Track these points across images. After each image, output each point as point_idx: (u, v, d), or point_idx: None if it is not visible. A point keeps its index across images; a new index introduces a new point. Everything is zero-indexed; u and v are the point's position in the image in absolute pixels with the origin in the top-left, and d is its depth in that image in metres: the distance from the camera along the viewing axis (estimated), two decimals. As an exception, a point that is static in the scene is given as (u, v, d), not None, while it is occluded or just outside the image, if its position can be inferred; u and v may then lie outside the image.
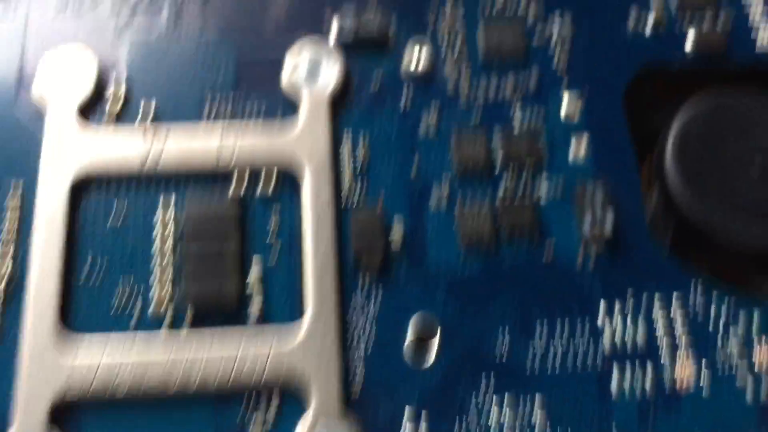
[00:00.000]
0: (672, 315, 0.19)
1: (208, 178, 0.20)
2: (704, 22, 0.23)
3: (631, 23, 0.22)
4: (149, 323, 0.18)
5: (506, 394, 0.18)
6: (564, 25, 0.22)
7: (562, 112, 0.21)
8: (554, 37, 0.22)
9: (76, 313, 0.18)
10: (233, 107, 0.21)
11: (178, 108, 0.21)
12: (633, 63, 0.22)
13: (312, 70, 0.21)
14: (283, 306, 0.19)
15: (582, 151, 0.21)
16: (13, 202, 0.19)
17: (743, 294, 0.20)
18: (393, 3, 0.22)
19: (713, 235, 0.20)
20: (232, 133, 0.20)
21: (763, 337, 0.19)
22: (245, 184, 0.20)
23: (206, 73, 0.21)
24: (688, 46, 0.22)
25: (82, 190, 0.19)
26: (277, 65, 0.21)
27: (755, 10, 0.23)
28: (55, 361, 0.18)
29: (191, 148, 0.20)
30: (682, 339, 0.19)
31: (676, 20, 0.23)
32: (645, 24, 0.22)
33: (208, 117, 0.21)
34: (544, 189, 0.20)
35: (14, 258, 0.19)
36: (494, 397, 0.18)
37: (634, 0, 0.23)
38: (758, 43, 0.22)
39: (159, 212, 0.19)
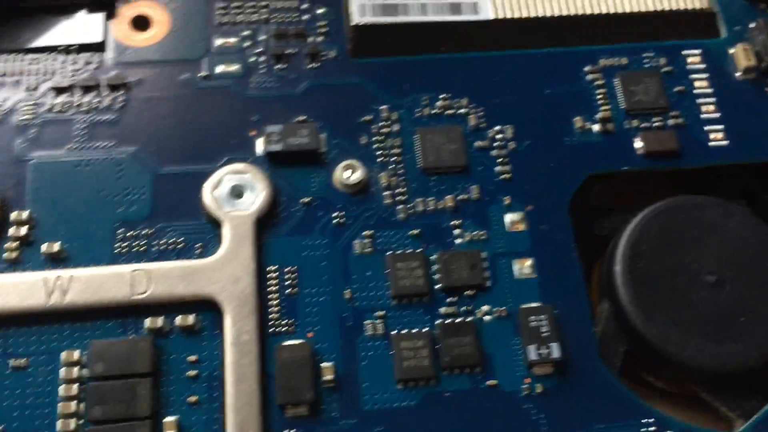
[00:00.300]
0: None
1: (117, 315, 0.18)
2: (653, 125, 0.22)
3: (576, 130, 0.21)
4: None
5: None
6: (505, 131, 0.21)
7: (507, 228, 0.20)
8: (495, 144, 0.21)
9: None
10: (150, 237, 0.19)
11: (86, 245, 0.19)
12: (579, 171, 0.21)
13: (235, 190, 0.20)
14: (203, 460, 0.17)
15: (527, 271, 0.20)
16: None
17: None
18: (323, 116, 0.21)
19: (666, 356, 0.19)
20: (147, 265, 0.19)
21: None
22: (161, 321, 0.18)
23: (118, 201, 0.19)
24: (639, 149, 0.21)
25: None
26: (198, 188, 0.20)
27: (705, 110, 0.22)
28: None
29: (101, 285, 0.18)
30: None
31: (626, 123, 0.22)
32: (591, 130, 0.21)
33: (121, 249, 0.19)
34: (487, 314, 0.19)
35: None
36: None
37: (578, 108, 0.22)
38: (710, 145, 0.22)
39: (63, 359, 0.18)
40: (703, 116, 0.22)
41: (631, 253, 0.20)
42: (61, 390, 0.17)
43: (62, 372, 0.18)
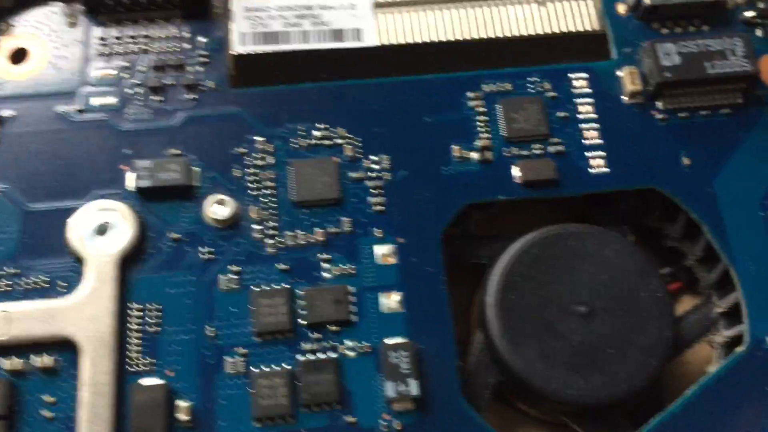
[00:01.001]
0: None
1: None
2: (532, 153, 0.22)
3: (454, 159, 0.21)
4: None
5: None
6: (381, 161, 0.21)
7: (376, 261, 0.20)
8: (370, 176, 0.21)
9: None
10: (16, 276, 0.19)
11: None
12: (455, 201, 0.21)
13: (101, 228, 0.20)
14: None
15: (394, 305, 0.20)
16: None
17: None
18: (199, 149, 0.21)
19: (532, 389, 0.19)
20: (8, 305, 0.19)
21: None
22: (21, 361, 0.18)
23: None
24: (517, 178, 0.21)
25: None
26: (64, 224, 0.20)
27: (587, 136, 0.22)
28: None
29: (-40, 326, 0.18)
30: None
31: (505, 151, 0.22)
32: (469, 159, 0.21)
33: (-15, 286, 0.19)
34: (350, 348, 0.19)
35: None
36: None
37: (458, 136, 0.22)
38: (591, 172, 0.21)
39: None
40: (585, 142, 0.22)
41: (503, 283, 0.20)
42: None
43: None
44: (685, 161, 0.22)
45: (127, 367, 0.19)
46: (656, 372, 0.19)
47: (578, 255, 0.20)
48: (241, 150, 0.21)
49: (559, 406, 0.20)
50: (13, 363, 0.18)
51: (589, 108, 0.22)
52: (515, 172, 0.21)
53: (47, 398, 0.18)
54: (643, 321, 0.20)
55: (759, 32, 0.23)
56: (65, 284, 0.19)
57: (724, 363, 0.20)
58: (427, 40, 0.23)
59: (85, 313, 0.19)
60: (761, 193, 0.21)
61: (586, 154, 0.22)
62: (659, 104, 0.22)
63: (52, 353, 0.19)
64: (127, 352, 0.19)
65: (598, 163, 0.21)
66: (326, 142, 0.21)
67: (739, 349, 0.20)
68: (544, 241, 0.21)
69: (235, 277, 0.20)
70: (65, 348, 0.19)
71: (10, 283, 0.19)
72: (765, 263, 0.20)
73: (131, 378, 0.19)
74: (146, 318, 0.19)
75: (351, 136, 0.21)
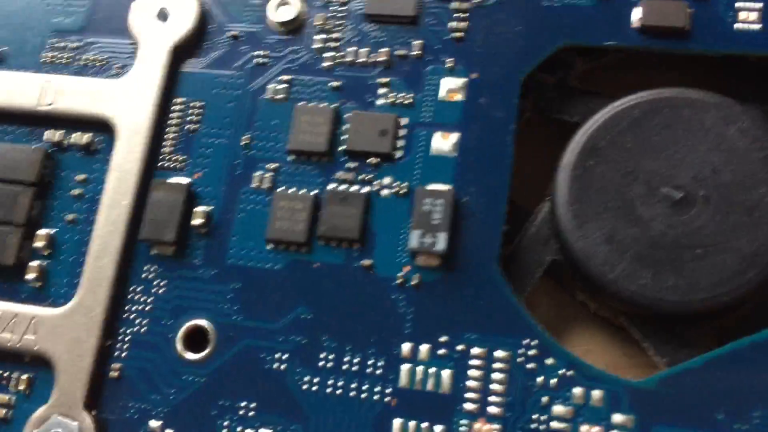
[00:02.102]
0: (492, 370, 0.16)
1: (27, 121, 0.19)
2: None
3: (555, -3, 0.17)
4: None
5: (268, 415, 0.16)
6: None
7: (440, 95, 0.17)
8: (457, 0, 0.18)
9: None
10: (77, 51, 0.19)
11: (19, 48, 0.19)
12: (551, 38, 0.17)
13: (163, 13, 0.19)
14: (62, 280, 0.18)
15: (447, 147, 0.17)
16: None
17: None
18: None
19: (590, 276, 0.16)
20: (61, 79, 0.19)
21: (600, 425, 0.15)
22: (62, 133, 0.18)
23: (60, 9, 0.19)
24: (635, 21, 0.17)
25: None
26: (128, 4, 0.19)
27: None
28: None
29: (16, 90, 0.19)
30: (490, 402, 0.15)
31: (624, -10, 0.17)
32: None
33: (46, 59, 0.19)
34: (385, 186, 0.17)
35: None
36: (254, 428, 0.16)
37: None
38: (735, 28, 0.17)
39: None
40: (732, -9, 0.17)
41: (585, 146, 0.17)
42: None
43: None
44: None
45: (158, 161, 0.18)
46: (749, 287, 0.15)
47: (690, 128, 0.16)
48: (317, -50, 0.19)
49: (618, 302, 0.16)
50: (53, 135, 0.18)
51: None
52: (636, 14, 0.17)
53: (79, 176, 0.18)
54: (752, 223, 0.15)
55: None
56: (120, 66, 0.19)
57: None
58: None
59: (128, 98, 0.18)
60: None
61: (736, 4, 0.17)
62: None
63: (91, 132, 0.18)
64: (162, 147, 0.18)
65: (748, 17, 0.16)
66: (413, -48, 0.18)
67: None
68: (651, 104, 0.17)
69: (284, 86, 0.18)
70: (105, 130, 0.18)
71: (71, 56, 0.19)
72: None
73: (159, 173, 0.18)
74: (187, 114, 0.18)
75: (442, -54, 0.18)
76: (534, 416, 0.15)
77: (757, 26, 0.16)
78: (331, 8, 0.18)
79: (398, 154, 0.17)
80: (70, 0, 0.20)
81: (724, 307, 0.15)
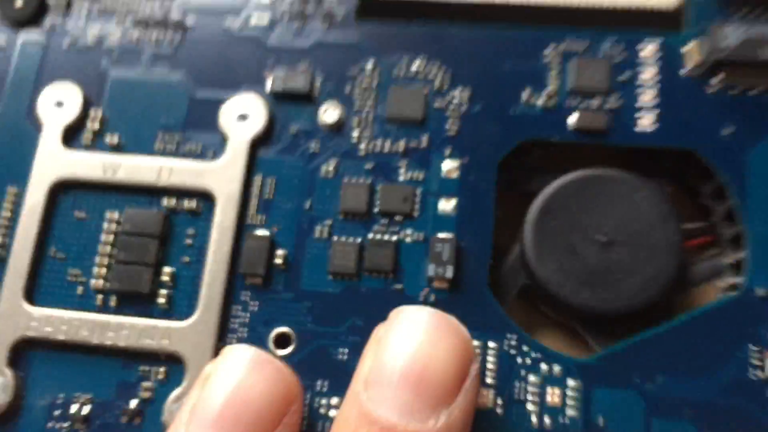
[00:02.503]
0: (486, 355, 0.23)
1: (149, 193, 0.26)
2: (591, 105, 0.25)
3: (523, 100, 0.26)
4: (87, 305, 0.25)
5: (335, 398, 0.23)
6: (462, 96, 0.26)
7: (442, 173, 0.25)
8: (451, 106, 0.26)
9: (38, 285, 0.25)
10: (180, 142, 0.27)
11: (137, 140, 0.27)
12: (515, 136, 0.25)
13: (243, 116, 0.26)
14: (183, 302, 0.25)
15: (449, 208, 0.25)
16: (10, 194, 0.26)
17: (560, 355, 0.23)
18: (320, 64, 0.27)
19: (549, 293, 0.24)
20: (173, 161, 0.26)
21: (557, 387, 0.23)
22: (175, 201, 0.26)
23: (162, 112, 0.27)
24: (571, 125, 0.25)
25: (57, 192, 0.26)
26: (217, 108, 0.27)
27: (643, 98, 0.25)
28: (17, 316, 0.25)
29: (140, 170, 0.26)
30: (486, 376, 0.23)
31: (565, 101, 0.26)
32: (535, 102, 0.26)
33: (159, 146, 0.26)
34: (408, 236, 0.25)
35: (2, 243, 0.26)
36: (329, 398, 0.23)
37: (531, 80, 0.26)
38: (638, 129, 0.25)
39: (107, 216, 0.26)
40: (638, 104, 0.25)
41: (542, 208, 0.25)
42: (102, 237, 0.26)
43: (105, 226, 0.26)
44: (726, 131, 0.25)
45: (246, 219, 0.25)
46: (654, 297, 0.23)
47: (611, 195, 0.24)
48: (354, 72, 0.27)
49: (569, 310, 0.24)
50: (170, 202, 0.26)
51: (651, 73, 0.26)
52: (571, 119, 0.25)
53: (190, 230, 0.25)
54: (652, 256, 0.24)
55: (830, 24, 0.25)
56: (212, 152, 0.26)
57: (716, 302, 0.23)
58: (522, 2, 0.27)
59: (222, 175, 0.26)
60: (787, 170, 0.24)
61: (637, 114, 0.25)
62: (715, 79, 0.25)
63: (196, 199, 0.26)
64: (248, 209, 0.25)
65: (645, 122, 0.25)
66: (421, 74, 0.26)
67: (733, 293, 0.23)
68: (585, 179, 0.25)
69: (332, 169, 0.26)
70: (206, 199, 0.26)
71: (175, 147, 0.26)
72: (774, 228, 0.24)
73: (247, 227, 0.25)
74: (264, 187, 0.26)
75: (442, 72, 0.26)
76: (516, 384, 0.23)
77: (650, 129, 0.25)
78: (362, 113, 0.26)
79: (416, 213, 0.25)
80: (172, 102, 0.27)
81: (637, 311, 0.24)
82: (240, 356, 0.21)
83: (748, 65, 0.25)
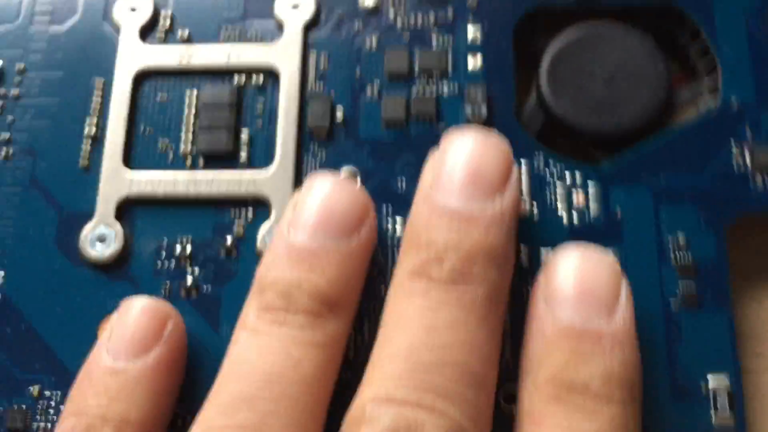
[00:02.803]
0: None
1: (220, 74, 0.30)
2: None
3: (525, -24, 0.31)
4: (178, 167, 0.29)
5: (398, 217, 0.28)
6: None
7: (468, 38, 0.30)
8: (469, -15, 0.31)
9: (133, 156, 0.29)
10: (241, 32, 0.31)
11: (204, 32, 0.31)
12: (523, 4, 0.31)
13: (295, 5, 0.31)
14: (261, 156, 0.29)
15: (477, 65, 0.30)
16: (99, 85, 0.30)
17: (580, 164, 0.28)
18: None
19: (568, 125, 0.29)
20: (238, 46, 0.30)
21: (581, 190, 0.28)
22: (244, 78, 0.30)
23: (223, 8, 0.31)
24: (571, -8, 0.31)
25: (141, 81, 0.30)
26: (272, 1, 0.31)
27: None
28: (119, 180, 0.29)
29: (211, 54, 0.30)
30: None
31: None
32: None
33: (224, 38, 0.31)
34: (446, 89, 0.30)
35: (98, 120, 0.30)
36: (394, 218, 0.28)
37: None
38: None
39: (187, 96, 0.30)
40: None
41: (554, 55, 0.30)
42: (185, 111, 0.30)
43: (185, 101, 0.30)
44: (693, -17, 0.30)
45: (307, 87, 0.30)
46: (651, 117, 0.29)
47: (608, 41, 0.29)
48: (385, -36, 0.32)
49: (583, 136, 0.29)
50: (240, 80, 0.30)
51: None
52: (569, -14, 0.31)
53: (260, 101, 0.30)
54: (646, 85, 0.29)
55: None
56: (271, 38, 0.31)
57: (699, 114, 0.29)
58: None
59: (283, 53, 0.30)
60: (745, 10, 0.29)
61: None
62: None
63: (263, 75, 0.30)
64: (308, 80, 0.30)
65: (628, -17, 0.30)
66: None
67: (710, 106, 0.29)
68: (586, 30, 0.30)
69: (376, 39, 0.30)
70: (271, 75, 0.30)
71: (238, 34, 0.31)
72: (740, 56, 0.29)
73: (310, 93, 0.30)
74: (319, 61, 0.30)
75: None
76: (547, 191, 0.28)
77: (633, -13, 0.30)
78: (396, -3, 0.31)
79: (450, 69, 0.30)
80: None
81: (638, 130, 0.29)
82: (322, 178, 0.26)
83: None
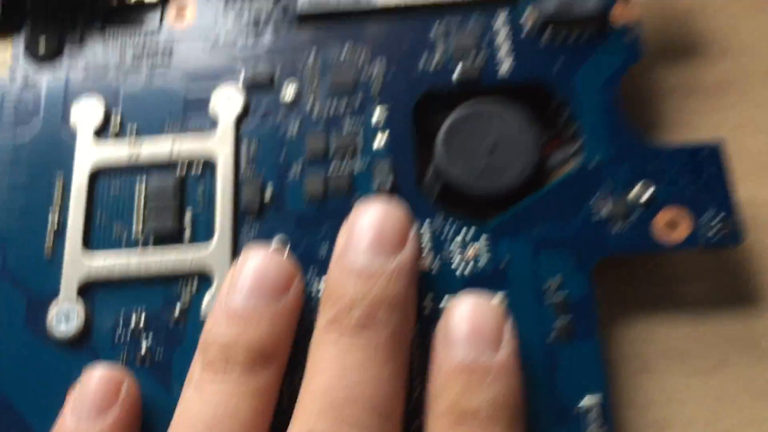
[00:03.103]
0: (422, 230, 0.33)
1: (165, 165, 0.35)
2: (467, 62, 0.37)
3: (421, 64, 0.37)
4: (131, 248, 0.34)
5: (323, 277, 0.33)
6: (380, 65, 0.37)
7: (374, 120, 0.36)
8: (373, 74, 0.37)
9: (92, 241, 0.34)
10: (182, 126, 0.36)
11: (150, 129, 0.36)
12: (419, 89, 0.36)
13: (225, 102, 0.36)
14: (203, 233, 0.34)
15: (383, 143, 0.35)
16: (59, 183, 0.35)
17: (472, 221, 0.34)
18: (277, 59, 0.37)
19: (460, 189, 0.34)
20: (179, 140, 0.35)
21: (474, 244, 0.33)
22: (186, 168, 0.35)
23: (167, 105, 0.36)
24: (456, 77, 0.36)
25: (96, 175, 0.35)
26: (207, 100, 0.36)
27: (501, 53, 0.37)
28: (80, 264, 0.33)
29: (156, 149, 0.35)
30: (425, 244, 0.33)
31: (449, 61, 0.37)
32: (430, 63, 0.37)
33: (168, 131, 0.36)
34: (357, 165, 0.35)
35: (59, 213, 0.34)
36: (319, 278, 0.33)
37: (426, 50, 0.37)
38: (500, 74, 0.36)
39: (137, 186, 0.35)
40: (498, 57, 0.36)
41: (447, 131, 0.35)
42: (135, 199, 0.35)
43: (136, 192, 0.35)
44: (558, 65, 0.36)
45: (240, 171, 0.35)
46: (528, 179, 0.34)
47: (490, 116, 0.35)
48: (302, 61, 0.37)
49: (474, 198, 0.34)
50: (182, 169, 0.35)
51: (503, 36, 0.37)
52: (455, 74, 0.36)
53: (200, 186, 0.35)
54: (523, 152, 0.35)
55: (614, -11, 0.37)
56: (207, 132, 0.36)
57: (566, 174, 0.34)
58: (411, 2, 0.38)
59: (218, 144, 0.35)
60: (599, 85, 0.35)
61: (498, 64, 0.36)
62: (546, 33, 0.37)
63: (202, 164, 0.35)
64: (241, 165, 0.35)
65: (504, 69, 0.36)
66: (349, 55, 0.37)
67: (576, 166, 0.34)
68: (472, 108, 0.36)
69: (296, 127, 0.36)
70: (210, 162, 0.35)
71: (178, 131, 0.36)
72: (597, 123, 0.35)
73: (242, 177, 0.35)
74: (250, 149, 0.35)
75: (364, 54, 0.37)
76: (445, 247, 0.33)
77: (508, 73, 0.36)
78: (312, 88, 0.37)
79: (360, 148, 0.35)
80: (172, 99, 0.37)
81: (518, 190, 0.34)
82: (255, 249, 0.31)
83: (565, 21, 0.36)
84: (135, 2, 0.39)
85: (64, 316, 0.32)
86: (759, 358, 0.33)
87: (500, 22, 0.37)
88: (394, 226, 0.30)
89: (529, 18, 0.37)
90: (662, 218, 0.33)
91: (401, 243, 0.30)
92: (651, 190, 0.33)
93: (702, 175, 0.34)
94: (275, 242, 0.33)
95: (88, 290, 0.33)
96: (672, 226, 0.33)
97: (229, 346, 0.28)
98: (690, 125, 0.38)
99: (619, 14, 0.37)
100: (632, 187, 0.33)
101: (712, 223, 0.32)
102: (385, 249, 0.29)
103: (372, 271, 0.28)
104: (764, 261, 0.35)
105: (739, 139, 0.37)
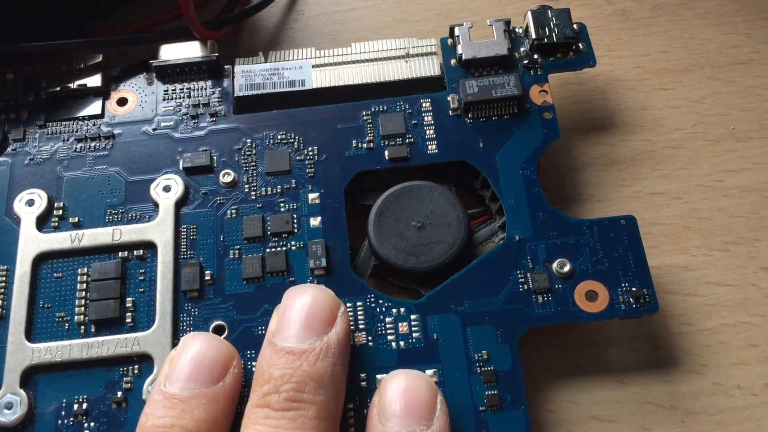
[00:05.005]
0: (356, 311, 0.34)
1: (106, 251, 0.35)
2: (396, 143, 0.37)
3: (353, 146, 0.37)
4: (73, 335, 0.34)
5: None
6: (313, 149, 0.37)
7: (309, 202, 0.36)
8: (307, 159, 0.37)
9: (34, 329, 0.34)
10: (123, 211, 0.36)
11: (91, 217, 0.36)
12: (352, 170, 0.37)
13: (166, 188, 0.36)
14: (144, 317, 0.34)
15: (316, 223, 0.36)
16: (2, 273, 0.35)
17: (403, 300, 0.34)
18: (214, 145, 0.37)
19: (392, 266, 0.35)
20: (121, 226, 0.35)
21: (405, 321, 0.33)
22: (127, 252, 0.35)
23: (108, 192, 0.36)
24: (386, 157, 0.37)
25: (39, 263, 0.35)
26: (148, 185, 0.36)
27: (428, 133, 0.38)
28: (22, 352, 0.33)
29: (97, 236, 0.35)
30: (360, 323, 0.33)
31: (380, 142, 0.37)
32: (361, 146, 0.37)
33: (109, 219, 0.36)
34: (293, 246, 0.35)
35: (2, 305, 0.34)
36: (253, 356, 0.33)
37: (356, 134, 0.38)
38: (428, 152, 0.37)
39: (78, 274, 0.35)
40: (425, 138, 0.37)
41: (377, 212, 0.36)
42: (78, 286, 0.34)
43: (78, 279, 0.34)
44: (481, 144, 0.37)
45: (180, 255, 0.35)
46: (455, 256, 0.35)
47: (418, 196, 0.36)
48: (238, 147, 0.38)
49: (404, 274, 0.35)
50: (123, 254, 0.35)
51: (429, 118, 0.38)
52: (386, 154, 0.37)
53: (141, 271, 0.35)
54: (450, 230, 0.35)
55: (531, 72, 0.39)
56: (148, 217, 0.36)
57: (492, 249, 0.35)
58: (342, 84, 0.39)
59: (158, 228, 0.35)
60: (519, 162, 0.37)
61: (425, 144, 0.37)
62: (469, 115, 0.38)
63: (143, 249, 0.35)
64: (180, 249, 0.35)
65: (431, 148, 0.37)
66: (284, 141, 0.38)
67: (500, 242, 0.35)
68: (401, 188, 0.36)
69: (234, 212, 0.36)
70: (150, 247, 0.35)
71: (120, 216, 0.36)
72: (519, 199, 0.36)
73: (182, 260, 0.35)
74: (189, 232, 0.36)
75: (298, 138, 0.38)
76: (378, 324, 0.33)
77: (436, 151, 0.37)
78: (249, 173, 0.37)
79: (296, 230, 0.36)
80: (113, 188, 0.37)
81: (446, 266, 0.35)
82: (193, 336, 0.31)
83: (486, 103, 0.37)
84: (78, 86, 0.39)
85: (7, 405, 0.32)
86: (679, 422, 0.33)
87: (426, 105, 0.38)
88: (322, 308, 0.30)
89: (453, 101, 0.38)
90: (582, 290, 0.34)
91: (329, 324, 0.30)
92: (570, 264, 0.34)
93: (618, 247, 0.34)
94: (213, 327, 0.33)
95: (31, 378, 0.32)
96: (591, 297, 0.33)
97: (165, 430, 0.28)
98: (607, 198, 0.39)
99: (537, 95, 0.38)
100: (553, 260, 0.34)
101: (630, 294, 0.33)
102: (314, 330, 0.29)
103: (301, 350, 0.29)
104: (680, 326, 0.36)
105: (653, 209, 0.38)
